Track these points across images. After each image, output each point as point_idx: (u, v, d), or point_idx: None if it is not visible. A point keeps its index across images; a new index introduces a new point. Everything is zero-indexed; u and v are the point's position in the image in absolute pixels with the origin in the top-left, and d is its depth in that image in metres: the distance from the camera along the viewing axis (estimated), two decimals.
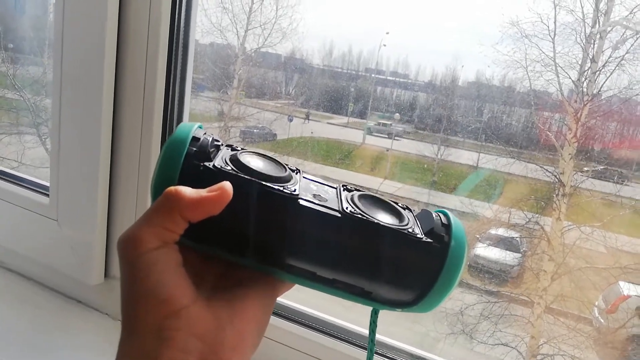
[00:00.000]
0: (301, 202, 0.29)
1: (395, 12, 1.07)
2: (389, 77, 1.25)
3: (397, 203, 0.33)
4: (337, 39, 1.22)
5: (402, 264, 0.29)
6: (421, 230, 0.30)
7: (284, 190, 0.29)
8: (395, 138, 1.25)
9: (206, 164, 0.29)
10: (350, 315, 0.49)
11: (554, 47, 0.85)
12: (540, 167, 0.89)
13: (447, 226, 0.31)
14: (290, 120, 1.26)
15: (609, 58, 0.85)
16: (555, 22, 0.84)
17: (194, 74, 0.53)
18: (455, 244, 0.30)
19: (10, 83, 1.08)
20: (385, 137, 1.26)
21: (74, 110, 0.52)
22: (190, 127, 0.31)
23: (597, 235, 0.85)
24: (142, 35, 0.49)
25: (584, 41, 0.84)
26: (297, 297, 0.49)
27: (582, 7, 0.84)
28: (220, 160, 0.30)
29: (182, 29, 0.50)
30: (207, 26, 1.03)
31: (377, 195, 0.33)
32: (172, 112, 0.52)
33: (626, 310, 0.81)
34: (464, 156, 1.12)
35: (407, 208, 0.34)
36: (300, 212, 0.28)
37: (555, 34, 0.85)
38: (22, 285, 0.64)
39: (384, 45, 1.21)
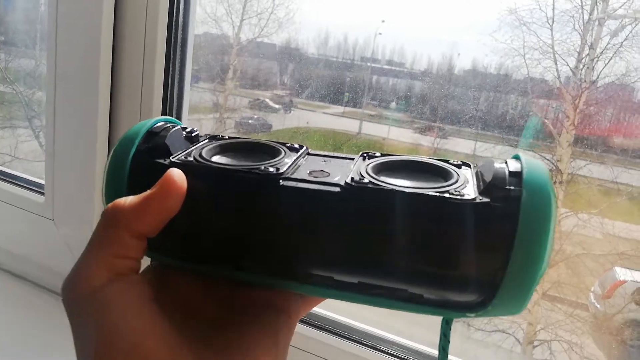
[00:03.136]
0: (282, 182, 0.22)
1: (390, 0, 1.06)
2: (384, 66, 1.24)
3: (447, 161, 0.24)
4: (332, 27, 1.21)
5: (447, 243, 0.20)
6: (475, 189, 0.21)
7: (259, 171, 0.22)
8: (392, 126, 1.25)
9: (159, 160, 0.24)
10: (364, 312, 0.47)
11: (552, 34, 0.85)
12: (538, 154, 0.90)
13: (517, 174, 0.20)
14: (286, 111, 1.26)
15: (607, 45, 0.85)
16: (553, 9, 0.84)
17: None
18: (530, 195, 0.19)
19: (2, 76, 1.06)
20: (381, 126, 1.25)
21: (69, 105, 0.51)
22: (146, 123, 0.25)
23: (594, 222, 0.85)
24: (140, 26, 0.48)
25: (582, 28, 0.83)
26: None
27: None
28: (189, 154, 0.24)
29: (180, 19, 0.49)
30: (201, 16, 1.02)
31: (410, 157, 0.24)
32: (171, 106, 0.51)
33: (622, 295, 0.82)
34: (461, 144, 1.12)
35: (466, 164, 0.24)
36: (283, 196, 0.22)
37: (553, 21, 0.85)
38: (17, 285, 0.63)
39: (380, 34, 1.20)
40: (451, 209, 0.20)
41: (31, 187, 0.59)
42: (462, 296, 0.21)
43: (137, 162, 0.24)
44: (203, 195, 0.22)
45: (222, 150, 0.26)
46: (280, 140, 0.27)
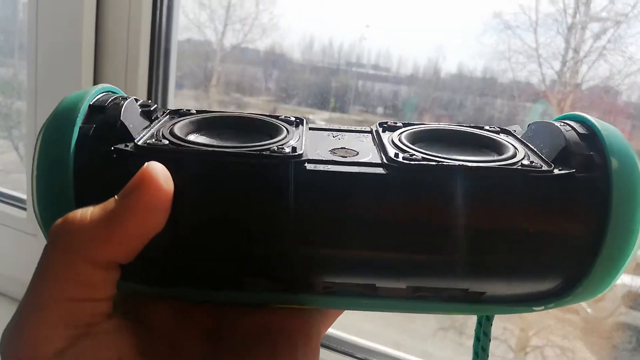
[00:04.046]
0: (308, 166, 0.17)
1: (375, 4, 1.06)
2: (370, 71, 1.24)
3: (482, 127, 0.21)
4: (317, 33, 1.20)
5: (529, 225, 0.16)
6: (544, 159, 0.17)
7: (272, 152, 0.17)
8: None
9: (119, 146, 0.16)
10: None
11: (536, 38, 0.85)
12: None
13: (591, 137, 0.17)
14: None
15: (590, 48, 0.85)
16: (537, 13, 0.84)
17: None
18: (618, 161, 0.16)
19: None
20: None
21: None
22: (83, 95, 0.18)
23: None
24: (122, 34, 0.47)
25: (565, 32, 0.84)
26: None
27: None
28: (156, 135, 0.18)
29: (164, 27, 0.48)
30: (184, 22, 1.00)
31: (442, 125, 0.20)
32: None
33: (613, 298, 0.82)
34: None
35: (504, 130, 0.21)
36: (312, 185, 0.17)
37: (537, 25, 0.85)
38: None
39: (365, 39, 1.19)
40: (534, 184, 0.16)
41: (12, 202, 0.58)
42: (539, 286, 0.17)
43: (84, 151, 0.16)
44: (194, 194, 0.16)
45: (198, 127, 0.20)
46: (270, 114, 0.21)
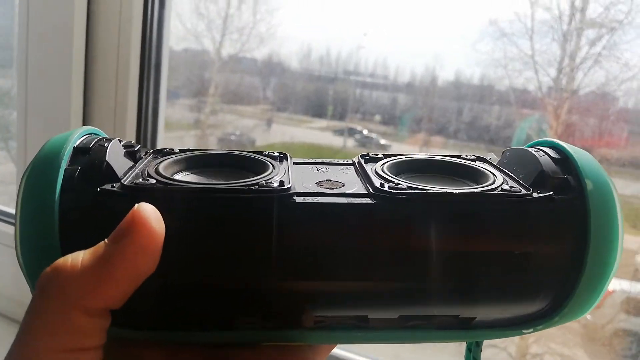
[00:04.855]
0: (297, 199, 0.17)
1: (372, 13, 1.06)
2: (367, 79, 1.25)
3: (459, 156, 0.21)
4: (315, 42, 1.20)
5: (512, 248, 0.17)
6: (522, 184, 0.18)
7: (262, 187, 0.17)
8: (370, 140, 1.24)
9: (105, 187, 0.16)
10: None
11: (532, 45, 0.86)
12: None
13: (566, 161, 0.19)
14: (269, 126, 1.25)
15: (586, 54, 0.85)
16: (532, 20, 0.85)
17: (169, 81, 0.51)
18: (593, 182, 0.17)
19: None
20: (365, 140, 1.25)
21: (41, 127, 0.50)
22: (67, 137, 0.18)
23: None
24: (113, 44, 0.47)
25: (561, 39, 0.84)
26: None
27: (558, 5, 0.85)
28: (141, 175, 0.18)
29: (154, 36, 0.48)
30: (181, 32, 1.01)
31: (420, 155, 0.20)
32: (145, 123, 0.50)
33: (611, 305, 0.81)
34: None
35: (480, 158, 0.21)
36: (301, 217, 0.17)
37: (533, 32, 0.85)
38: None
39: (362, 47, 1.20)
40: (515, 207, 0.17)
41: (8, 220, 0.57)
42: (526, 309, 0.18)
43: (70, 193, 0.16)
44: (185, 232, 0.16)
45: (185, 166, 0.20)
46: (254, 150, 0.22)
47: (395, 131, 1.23)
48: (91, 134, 0.20)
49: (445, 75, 1.08)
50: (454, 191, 0.17)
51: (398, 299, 0.17)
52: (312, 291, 0.17)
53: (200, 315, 0.17)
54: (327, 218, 0.17)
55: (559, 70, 0.82)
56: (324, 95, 1.30)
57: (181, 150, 0.21)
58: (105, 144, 0.18)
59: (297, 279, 0.17)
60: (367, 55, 1.22)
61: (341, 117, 1.31)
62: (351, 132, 1.22)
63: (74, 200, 0.16)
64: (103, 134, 0.20)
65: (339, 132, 1.25)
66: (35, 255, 0.16)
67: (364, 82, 1.23)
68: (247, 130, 1.22)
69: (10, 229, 0.56)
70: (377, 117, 1.23)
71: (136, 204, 0.15)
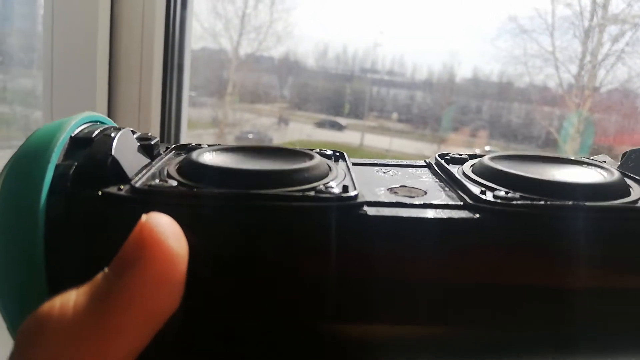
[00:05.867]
0: (369, 211, 0.12)
1: (389, 10, 1.06)
2: (384, 77, 1.24)
3: (568, 159, 0.17)
4: (331, 40, 1.20)
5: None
6: None
7: (321, 193, 0.12)
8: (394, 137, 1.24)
9: (109, 189, 0.12)
10: None
11: (552, 41, 0.85)
12: None
13: None
14: (286, 124, 1.25)
15: (608, 51, 0.84)
16: (553, 17, 0.84)
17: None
18: None
19: (1, 96, 1.06)
20: (383, 137, 1.25)
21: None
22: (62, 125, 0.14)
23: None
24: (136, 44, 0.48)
25: (582, 35, 0.83)
26: None
27: (579, 1, 0.84)
28: (155, 175, 0.13)
29: (177, 36, 0.49)
30: (199, 31, 1.02)
31: (517, 153, 0.16)
32: (169, 122, 0.50)
33: None
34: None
35: (592, 162, 0.16)
36: (377, 235, 0.12)
37: (553, 28, 0.84)
38: None
39: (379, 45, 1.20)
40: None
41: None
42: None
43: (60, 198, 0.12)
44: (216, 255, 0.12)
45: (217, 160, 0.16)
46: (306, 148, 0.17)
47: (412, 128, 1.23)
48: (96, 121, 0.15)
49: (463, 72, 1.07)
50: (588, 204, 0.13)
51: (518, 352, 0.13)
52: (389, 337, 0.13)
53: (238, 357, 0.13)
54: (411, 237, 0.12)
55: (581, 67, 0.81)
56: (340, 93, 1.30)
57: (210, 146, 0.17)
58: (113, 134, 0.13)
59: (368, 321, 0.13)
60: (384, 53, 1.22)
61: (358, 115, 1.31)
62: (333, 125, 1.23)
63: (65, 207, 0.12)
64: (111, 122, 0.16)
65: (320, 124, 1.26)
66: (12, 288, 0.11)
67: (380, 79, 1.23)
68: (264, 129, 1.23)
69: None
70: (394, 115, 1.23)
71: (144, 216, 0.10)
